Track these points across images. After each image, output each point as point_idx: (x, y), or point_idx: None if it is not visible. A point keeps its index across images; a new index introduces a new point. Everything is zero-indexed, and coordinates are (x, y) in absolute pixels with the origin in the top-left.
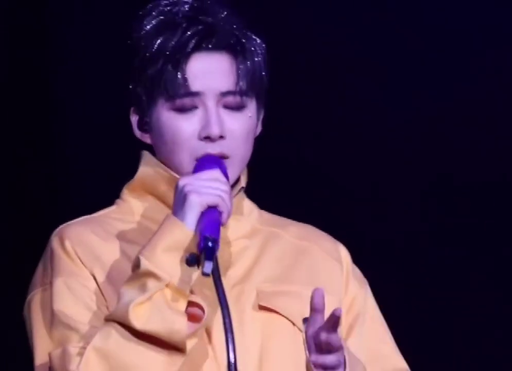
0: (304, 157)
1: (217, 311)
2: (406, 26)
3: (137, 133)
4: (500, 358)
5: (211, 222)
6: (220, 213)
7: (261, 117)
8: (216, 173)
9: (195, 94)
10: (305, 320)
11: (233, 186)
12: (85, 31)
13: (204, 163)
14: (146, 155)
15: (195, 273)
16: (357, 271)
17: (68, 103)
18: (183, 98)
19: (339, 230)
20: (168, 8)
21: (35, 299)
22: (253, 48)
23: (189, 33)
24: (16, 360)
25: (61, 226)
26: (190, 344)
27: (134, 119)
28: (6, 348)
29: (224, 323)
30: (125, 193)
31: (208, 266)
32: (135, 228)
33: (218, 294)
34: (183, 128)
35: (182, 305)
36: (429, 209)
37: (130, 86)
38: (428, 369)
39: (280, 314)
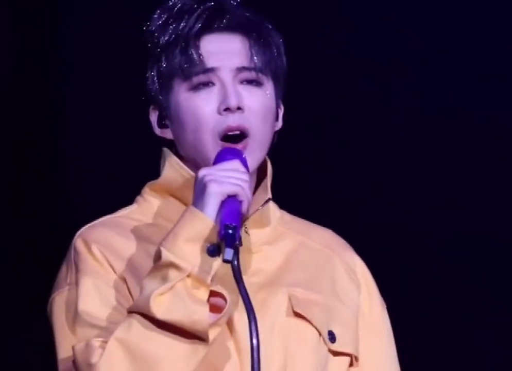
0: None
1: (243, 314)
2: (407, 26)
3: (157, 130)
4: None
5: (231, 211)
6: (240, 202)
7: (281, 107)
8: (235, 163)
9: (211, 70)
10: (330, 333)
11: (254, 191)
12: (86, 31)
13: (224, 154)
14: (167, 155)
15: (217, 262)
16: (376, 290)
17: (68, 104)
18: (199, 75)
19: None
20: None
21: (59, 298)
22: (265, 28)
23: (199, 12)
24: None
25: (83, 228)
26: (212, 334)
27: (153, 117)
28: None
29: (250, 326)
30: (147, 192)
31: (229, 253)
32: (157, 230)
33: (243, 298)
34: (202, 104)
35: (204, 294)
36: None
37: (147, 81)
38: None
39: (311, 323)
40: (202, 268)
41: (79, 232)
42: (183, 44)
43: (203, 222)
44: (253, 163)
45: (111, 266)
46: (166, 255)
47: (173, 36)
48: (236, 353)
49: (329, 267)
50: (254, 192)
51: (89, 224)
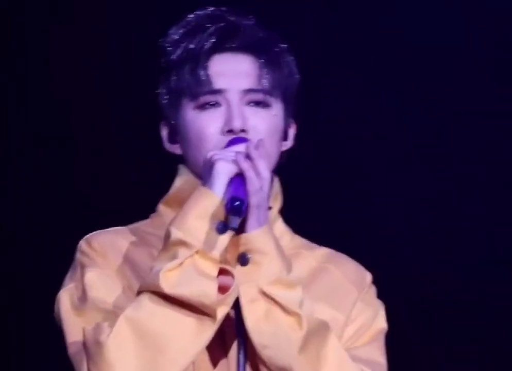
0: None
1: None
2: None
3: (167, 145)
4: None
5: (238, 186)
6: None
7: (292, 126)
8: (242, 145)
9: (218, 92)
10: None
11: None
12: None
13: (231, 142)
14: (181, 169)
15: (225, 239)
16: (371, 293)
17: (74, 108)
18: (206, 95)
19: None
20: (195, 15)
21: (65, 294)
22: (277, 49)
23: (211, 31)
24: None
25: (89, 234)
26: (220, 313)
27: (164, 133)
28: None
29: (238, 332)
30: (161, 207)
31: (234, 221)
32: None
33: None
34: (206, 124)
35: (213, 271)
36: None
37: (159, 96)
38: None
39: (279, 304)
40: (210, 244)
41: (84, 237)
42: (192, 63)
43: (211, 199)
44: None
45: (112, 260)
46: (175, 233)
47: (184, 54)
48: (226, 364)
49: (324, 277)
50: None
51: (95, 232)
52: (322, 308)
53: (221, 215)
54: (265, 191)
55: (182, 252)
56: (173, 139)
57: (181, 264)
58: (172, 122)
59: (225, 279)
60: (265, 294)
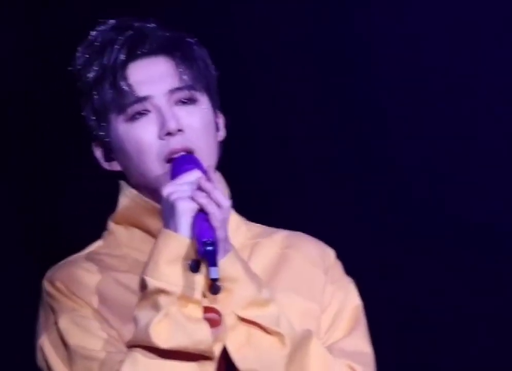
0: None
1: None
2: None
3: (105, 164)
4: None
5: (205, 225)
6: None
7: (219, 116)
8: (195, 173)
9: (144, 99)
10: None
11: None
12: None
13: (179, 164)
14: (123, 186)
15: (201, 278)
16: (338, 271)
17: None
18: (133, 105)
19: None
20: (98, 31)
21: (46, 343)
22: (187, 44)
23: (121, 41)
24: None
25: (49, 271)
26: (217, 349)
27: (98, 153)
28: None
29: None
30: (111, 225)
31: (214, 272)
32: (124, 260)
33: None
34: (142, 133)
35: (199, 312)
36: None
37: (85, 119)
38: None
39: (259, 325)
40: (189, 286)
41: (45, 276)
42: (111, 77)
43: (180, 242)
44: None
45: (77, 296)
46: (151, 283)
47: (100, 71)
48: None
49: (288, 266)
50: None
51: (54, 266)
52: (294, 300)
53: (191, 254)
54: (227, 220)
55: (163, 300)
56: (109, 157)
57: (167, 314)
58: (105, 140)
59: (208, 313)
60: (243, 319)
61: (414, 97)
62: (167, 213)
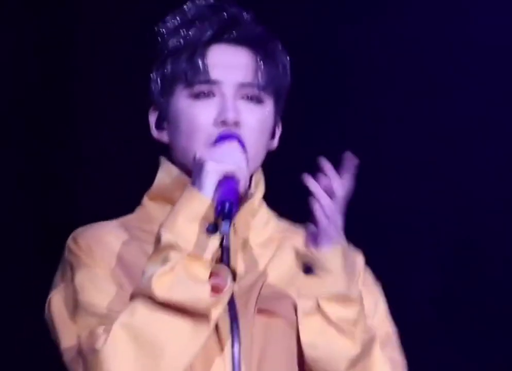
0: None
1: (226, 315)
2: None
3: (154, 132)
4: None
5: (228, 189)
6: (237, 182)
7: (279, 126)
8: (233, 144)
9: (214, 82)
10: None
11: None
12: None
13: (221, 138)
14: (163, 162)
15: (216, 241)
16: (367, 277)
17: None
18: (201, 84)
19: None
20: (193, 4)
21: (57, 296)
22: (274, 46)
23: (212, 21)
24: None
25: (76, 230)
26: (215, 314)
27: (152, 118)
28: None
29: (231, 326)
30: (146, 200)
31: (225, 225)
32: (153, 236)
33: (229, 302)
34: (200, 113)
35: (205, 274)
36: None
37: (151, 81)
38: None
39: (278, 315)
40: (201, 247)
41: (71, 234)
42: (190, 51)
43: (201, 202)
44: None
45: (99, 257)
46: (166, 237)
47: (182, 41)
48: (221, 359)
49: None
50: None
51: (82, 227)
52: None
53: (211, 217)
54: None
55: (173, 255)
56: (161, 126)
57: (172, 268)
58: (164, 108)
59: (217, 279)
60: (321, 310)
61: (414, 98)
62: (196, 173)
